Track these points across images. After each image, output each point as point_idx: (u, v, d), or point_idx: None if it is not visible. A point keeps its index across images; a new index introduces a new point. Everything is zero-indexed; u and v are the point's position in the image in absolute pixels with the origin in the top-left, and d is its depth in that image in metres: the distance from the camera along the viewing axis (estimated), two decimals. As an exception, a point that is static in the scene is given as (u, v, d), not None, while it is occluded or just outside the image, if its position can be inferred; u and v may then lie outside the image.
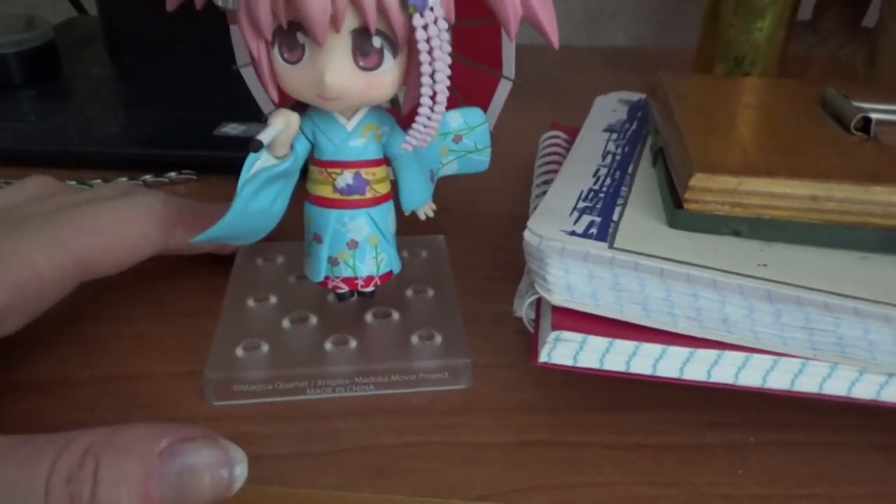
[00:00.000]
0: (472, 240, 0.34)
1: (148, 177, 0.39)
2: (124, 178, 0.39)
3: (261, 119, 0.34)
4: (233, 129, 0.42)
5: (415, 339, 0.27)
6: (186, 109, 0.45)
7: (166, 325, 0.29)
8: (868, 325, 0.21)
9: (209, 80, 0.43)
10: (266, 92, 0.24)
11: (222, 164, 0.39)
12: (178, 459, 0.19)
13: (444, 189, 0.30)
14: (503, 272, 0.31)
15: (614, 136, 0.35)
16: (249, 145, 0.23)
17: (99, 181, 0.39)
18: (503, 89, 0.31)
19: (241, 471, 0.20)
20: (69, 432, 0.19)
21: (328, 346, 0.26)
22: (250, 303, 0.29)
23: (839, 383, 0.22)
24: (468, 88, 0.32)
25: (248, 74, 0.32)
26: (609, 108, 0.39)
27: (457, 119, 0.28)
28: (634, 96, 0.41)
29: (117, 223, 0.26)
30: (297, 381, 0.25)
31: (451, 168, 0.29)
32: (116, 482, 0.18)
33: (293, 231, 0.27)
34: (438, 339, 0.27)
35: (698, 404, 0.25)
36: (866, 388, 0.21)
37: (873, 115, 0.28)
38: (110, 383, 0.26)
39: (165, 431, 0.19)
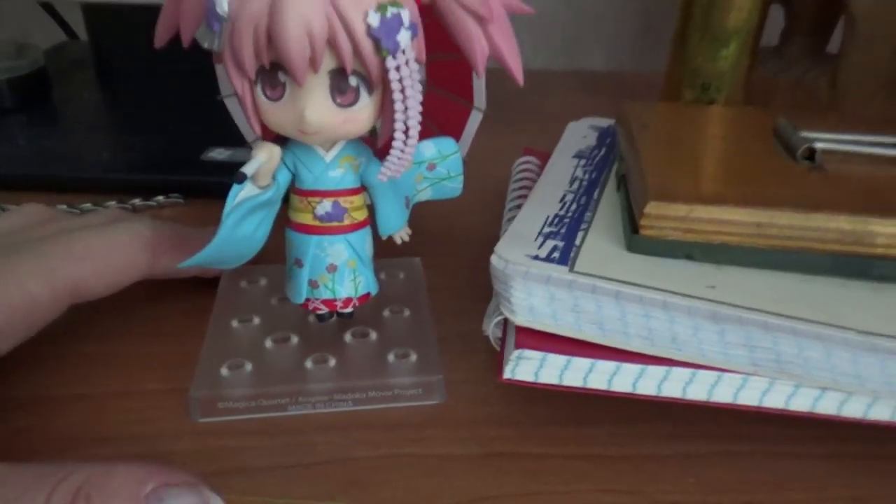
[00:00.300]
0: (449, 261, 0.36)
1: (136, 200, 0.41)
2: (113, 203, 0.41)
3: (245, 145, 0.36)
4: (219, 154, 0.44)
5: (391, 357, 0.28)
6: (174, 134, 0.46)
7: (154, 344, 0.30)
8: (803, 343, 0.23)
9: (196, 106, 0.44)
10: (250, 126, 0.25)
11: (208, 189, 0.41)
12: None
13: (422, 212, 0.32)
14: (477, 292, 0.32)
15: (583, 161, 0.37)
16: (234, 177, 0.24)
17: (89, 205, 0.40)
18: (475, 119, 0.33)
19: None
20: (61, 465, 0.20)
21: (308, 364, 0.28)
22: (235, 324, 0.30)
23: (778, 397, 0.23)
24: (442, 118, 0.34)
25: (231, 105, 0.34)
26: (580, 133, 0.41)
27: (430, 148, 0.30)
28: (605, 122, 0.43)
29: (108, 249, 0.28)
30: (279, 398, 0.27)
31: (425, 194, 0.31)
32: None
33: (275, 255, 0.29)
34: (413, 356, 0.28)
35: (653, 418, 0.26)
36: (802, 402, 0.23)
37: (819, 145, 0.30)
38: (99, 401, 0.27)
39: (153, 475, 0.21)
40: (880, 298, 0.25)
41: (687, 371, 0.24)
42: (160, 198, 0.41)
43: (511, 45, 0.25)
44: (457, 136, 0.34)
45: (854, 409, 0.23)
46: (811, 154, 0.30)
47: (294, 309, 0.30)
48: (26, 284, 0.25)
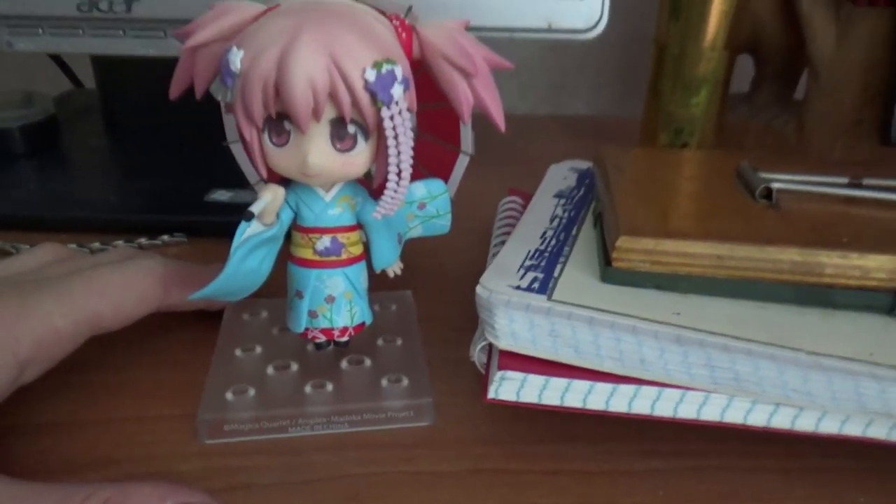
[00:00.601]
0: (439, 294, 0.38)
1: (142, 240, 0.43)
2: (121, 242, 0.43)
3: (246, 187, 0.39)
4: (220, 195, 0.46)
5: (384, 381, 0.30)
6: (178, 177, 0.49)
7: (163, 372, 0.32)
8: (758, 363, 0.25)
9: (199, 151, 0.47)
10: (256, 169, 0.28)
11: (211, 228, 0.43)
12: None
13: (415, 249, 0.34)
14: (465, 323, 0.34)
15: (563, 201, 0.39)
16: (243, 215, 0.27)
17: (97, 244, 0.42)
18: (462, 163, 0.36)
19: None
20: (85, 485, 0.23)
21: (308, 389, 0.30)
22: (238, 352, 0.32)
23: (737, 413, 0.26)
24: (432, 162, 0.37)
25: (236, 150, 0.37)
26: (561, 175, 0.44)
27: (421, 189, 0.32)
28: (584, 165, 0.46)
29: (124, 285, 0.30)
30: (280, 421, 0.29)
31: (416, 231, 0.34)
32: None
33: (276, 289, 0.31)
34: (405, 381, 0.30)
35: (627, 436, 0.29)
36: (759, 417, 0.26)
37: (776, 185, 0.33)
38: (113, 425, 0.29)
39: (171, 492, 0.23)
40: (828, 323, 0.27)
41: (654, 389, 0.26)
42: (165, 237, 0.44)
43: (493, 96, 0.28)
44: (445, 178, 0.37)
45: (805, 424, 0.25)
46: (768, 193, 0.33)
47: (293, 339, 0.32)
48: (51, 319, 0.27)
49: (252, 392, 0.30)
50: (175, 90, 0.29)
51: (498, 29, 0.46)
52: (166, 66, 0.29)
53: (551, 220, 0.37)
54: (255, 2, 0.27)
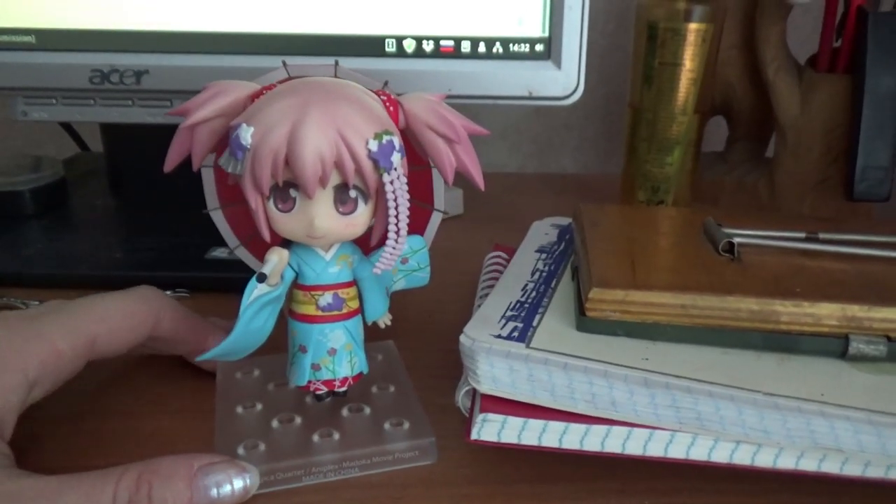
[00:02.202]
0: (426, 345, 0.40)
1: (147, 295, 0.45)
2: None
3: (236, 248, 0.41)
4: (220, 253, 0.49)
5: (387, 426, 0.32)
6: (180, 236, 0.51)
7: (165, 420, 0.34)
8: (719, 403, 0.27)
9: (200, 210, 0.49)
10: (261, 233, 0.30)
11: (211, 284, 0.46)
12: (210, 477, 0.26)
13: (403, 302, 0.36)
14: (450, 372, 0.36)
15: (544, 255, 0.42)
16: (256, 277, 0.29)
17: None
18: (435, 219, 0.38)
19: (253, 479, 0.27)
20: (112, 470, 0.26)
21: (315, 438, 0.31)
22: (239, 410, 0.33)
23: (701, 450, 0.28)
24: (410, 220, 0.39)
25: (216, 217, 0.37)
26: (543, 231, 0.47)
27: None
28: (565, 221, 0.48)
29: (122, 312, 0.33)
30: (294, 471, 0.30)
31: (399, 284, 0.36)
32: (166, 499, 0.25)
33: (264, 347, 0.32)
34: (406, 424, 0.32)
35: (603, 476, 0.31)
36: (721, 454, 0.28)
37: (737, 240, 0.36)
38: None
39: (195, 458, 0.27)
40: (784, 367, 0.30)
41: (624, 429, 0.28)
42: (168, 292, 0.46)
43: (473, 159, 0.31)
44: (421, 233, 0.39)
45: (764, 460, 0.27)
46: (730, 247, 0.35)
47: (290, 393, 0.34)
48: (53, 342, 0.30)
49: (262, 446, 0.30)
50: (170, 164, 0.31)
51: (482, 97, 0.50)
52: (170, 131, 0.31)
53: (532, 274, 0.39)
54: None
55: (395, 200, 0.29)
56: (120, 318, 0.32)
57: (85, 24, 0.48)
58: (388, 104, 0.30)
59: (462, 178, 0.32)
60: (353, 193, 0.29)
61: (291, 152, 0.27)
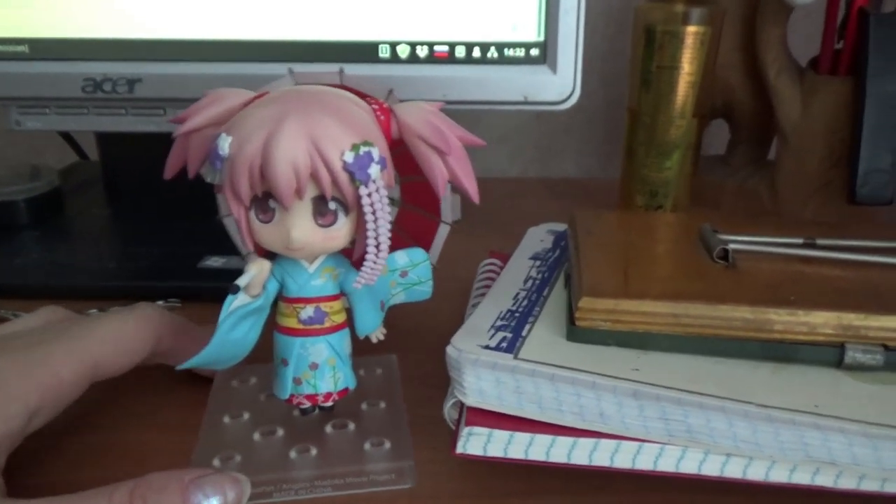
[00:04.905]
0: (421, 354, 0.40)
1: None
2: (117, 308, 0.45)
3: (237, 254, 0.40)
4: (213, 262, 0.48)
5: (367, 445, 0.31)
6: (174, 245, 0.51)
7: (153, 434, 0.34)
8: (709, 415, 0.27)
9: (193, 220, 0.49)
10: (243, 243, 0.30)
11: (204, 293, 0.45)
12: (203, 488, 0.26)
13: (398, 310, 0.36)
14: (442, 381, 0.35)
15: (538, 263, 0.41)
16: (228, 289, 0.28)
17: (95, 311, 0.44)
18: (442, 231, 0.37)
19: (246, 488, 0.27)
20: (105, 486, 0.26)
21: (292, 454, 0.31)
22: (226, 419, 0.33)
23: (691, 463, 0.27)
24: (415, 231, 0.39)
25: (229, 223, 0.38)
26: (538, 237, 0.46)
27: (403, 258, 0.34)
28: (561, 227, 0.48)
29: (124, 333, 0.32)
30: (264, 486, 0.29)
31: (399, 298, 0.35)
32: None
33: (266, 355, 0.32)
34: (387, 444, 0.31)
35: (594, 491, 0.30)
36: (712, 467, 0.27)
37: (732, 246, 0.35)
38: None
39: (186, 472, 0.26)
40: (778, 377, 0.29)
41: (613, 442, 0.27)
42: (161, 302, 0.46)
43: (467, 171, 0.30)
44: (428, 245, 0.39)
45: (756, 473, 0.27)
46: (725, 254, 0.35)
47: (280, 404, 0.33)
48: (55, 369, 0.29)
49: (238, 458, 0.30)
50: (170, 171, 0.31)
51: (478, 102, 0.49)
52: (164, 140, 0.31)
53: (525, 282, 0.38)
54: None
55: (374, 214, 0.28)
56: (122, 340, 0.32)
57: (78, 33, 0.48)
58: (378, 113, 0.29)
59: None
60: (332, 205, 0.28)
61: (265, 163, 0.26)
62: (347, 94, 0.30)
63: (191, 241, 0.51)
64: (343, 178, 0.27)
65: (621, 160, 0.58)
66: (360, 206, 0.28)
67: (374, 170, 0.27)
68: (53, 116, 0.50)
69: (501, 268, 0.44)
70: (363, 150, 0.27)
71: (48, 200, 0.56)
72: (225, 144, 0.27)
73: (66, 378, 0.30)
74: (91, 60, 0.48)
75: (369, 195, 0.28)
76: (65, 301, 0.45)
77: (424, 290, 0.35)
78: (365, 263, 0.29)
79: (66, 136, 0.68)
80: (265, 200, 0.28)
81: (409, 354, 0.39)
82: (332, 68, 0.31)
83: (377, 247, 0.29)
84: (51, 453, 0.32)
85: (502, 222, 0.61)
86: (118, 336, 0.32)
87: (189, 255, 0.49)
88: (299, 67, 0.32)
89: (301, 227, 0.28)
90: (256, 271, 0.29)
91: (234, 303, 0.29)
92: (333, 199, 0.28)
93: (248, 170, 0.27)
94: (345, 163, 0.27)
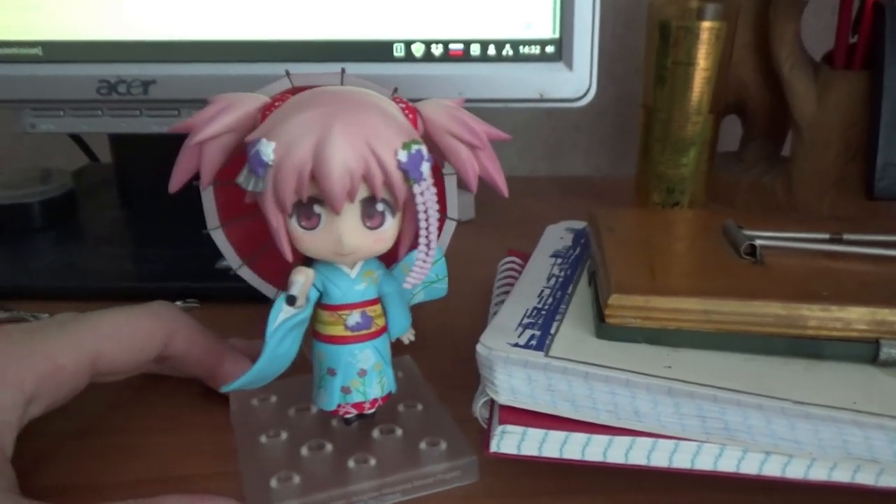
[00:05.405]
0: (442, 355, 0.40)
1: (157, 307, 0.45)
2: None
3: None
4: (231, 262, 0.48)
5: (423, 446, 0.30)
6: (190, 246, 0.51)
7: (172, 437, 0.33)
8: (747, 412, 0.26)
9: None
10: (282, 252, 0.28)
11: (221, 294, 0.45)
12: None
13: (417, 312, 0.35)
14: (467, 381, 0.35)
15: (559, 260, 0.41)
16: (285, 300, 0.28)
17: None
18: (449, 228, 0.37)
19: None
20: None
21: (351, 465, 0.29)
22: (263, 439, 0.31)
23: (729, 462, 0.27)
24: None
25: (217, 236, 0.35)
26: (557, 235, 0.46)
27: None
28: (580, 225, 0.47)
29: (131, 329, 0.31)
30: (333, 502, 0.28)
31: (418, 297, 0.35)
32: None
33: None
34: (444, 444, 0.30)
35: (628, 487, 0.30)
36: (750, 465, 0.27)
37: (759, 242, 0.35)
38: (130, 487, 0.30)
39: (198, 499, 0.25)
40: (812, 374, 0.29)
41: (649, 440, 0.27)
42: (178, 303, 0.45)
43: (496, 166, 0.30)
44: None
45: (796, 471, 0.26)
46: (752, 250, 0.34)
47: (314, 418, 0.32)
48: (54, 356, 0.29)
49: (297, 477, 0.29)
50: (177, 182, 0.30)
51: (493, 100, 0.49)
52: (178, 141, 0.30)
53: (548, 280, 0.38)
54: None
55: (426, 212, 0.27)
56: (127, 334, 0.31)
57: (91, 36, 0.48)
58: (406, 112, 0.29)
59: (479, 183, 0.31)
60: (380, 207, 0.28)
61: (318, 167, 0.26)
62: (376, 93, 0.30)
63: (205, 242, 0.50)
64: (397, 177, 0.27)
65: (636, 157, 0.58)
66: (412, 206, 0.28)
67: (425, 167, 0.27)
68: (68, 119, 0.49)
69: (521, 266, 0.44)
70: (414, 148, 0.27)
71: (62, 203, 0.56)
72: (269, 150, 0.26)
73: (64, 366, 0.29)
74: (105, 62, 0.48)
75: (422, 193, 0.27)
76: (80, 303, 0.45)
77: (441, 287, 0.35)
78: (416, 263, 0.29)
79: (77, 139, 0.68)
80: (309, 205, 0.27)
81: (429, 355, 0.39)
82: (348, 68, 0.31)
83: (428, 245, 0.28)
84: (75, 456, 0.32)
85: (516, 221, 0.61)
86: (123, 329, 0.31)
87: (204, 256, 0.49)
88: (314, 67, 0.31)
89: (351, 231, 0.28)
90: (304, 279, 0.28)
91: (280, 315, 0.28)
92: (382, 199, 0.28)
93: (296, 175, 0.26)
94: (399, 162, 0.26)
